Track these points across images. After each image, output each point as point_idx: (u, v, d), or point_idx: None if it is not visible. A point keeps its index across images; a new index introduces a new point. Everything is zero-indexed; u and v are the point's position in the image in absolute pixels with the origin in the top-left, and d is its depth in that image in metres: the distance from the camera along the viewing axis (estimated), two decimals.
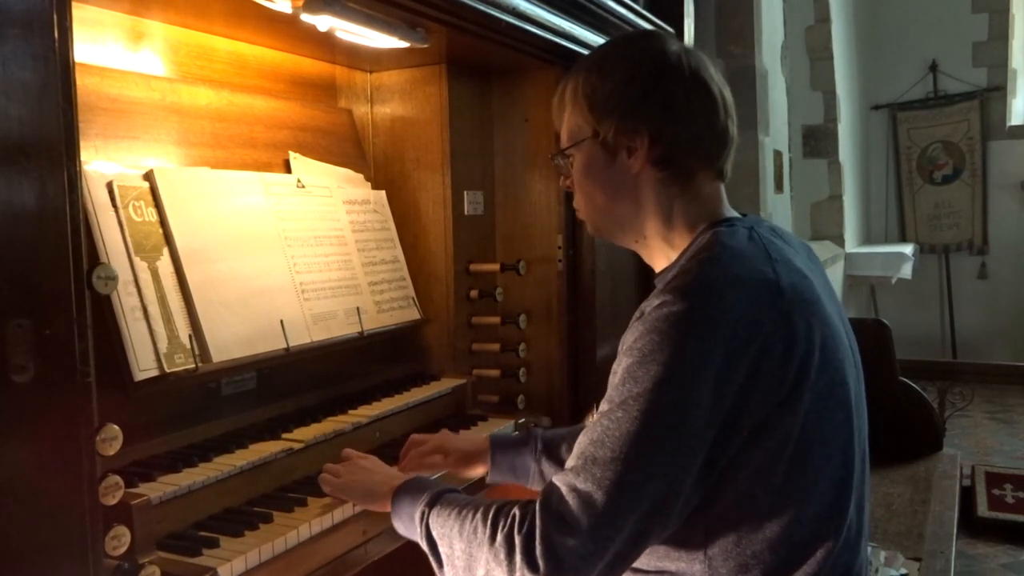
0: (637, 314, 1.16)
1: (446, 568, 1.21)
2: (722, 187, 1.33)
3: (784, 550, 1.14)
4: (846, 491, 1.19)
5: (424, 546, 1.26)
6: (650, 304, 1.14)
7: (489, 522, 1.15)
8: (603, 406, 1.14)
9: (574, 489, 1.09)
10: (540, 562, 1.08)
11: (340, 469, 1.49)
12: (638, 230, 1.31)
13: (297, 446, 1.57)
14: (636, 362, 1.10)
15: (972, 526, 4.03)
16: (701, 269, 1.15)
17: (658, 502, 1.08)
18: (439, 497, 1.27)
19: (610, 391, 1.13)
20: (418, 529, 1.26)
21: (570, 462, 1.14)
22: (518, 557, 1.09)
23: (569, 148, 1.32)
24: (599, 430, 1.11)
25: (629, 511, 1.07)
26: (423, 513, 1.26)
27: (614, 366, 1.16)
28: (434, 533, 1.23)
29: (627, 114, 1.24)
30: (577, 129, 1.30)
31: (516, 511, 1.14)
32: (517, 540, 1.10)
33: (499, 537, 1.12)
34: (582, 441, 1.13)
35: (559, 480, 1.13)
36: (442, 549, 1.22)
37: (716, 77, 1.28)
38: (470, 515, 1.19)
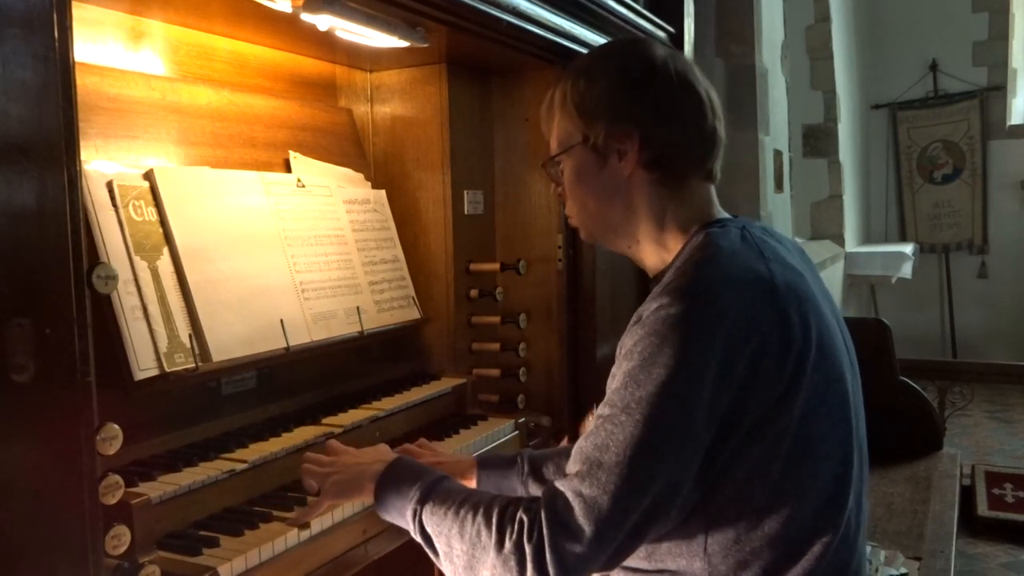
0: (635, 318, 1.17)
1: (443, 562, 1.22)
2: (712, 189, 1.33)
3: (783, 546, 1.15)
4: (844, 486, 1.20)
5: (418, 539, 1.26)
6: (647, 308, 1.14)
7: (494, 527, 1.15)
8: (604, 410, 1.14)
9: (580, 495, 1.10)
10: (550, 570, 1.10)
11: (324, 459, 1.46)
12: (631, 234, 1.32)
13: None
14: (637, 366, 1.10)
15: (972, 525, 4.04)
16: (697, 270, 1.16)
17: (659, 501, 1.10)
18: (430, 493, 1.26)
19: (611, 395, 1.14)
20: (411, 525, 1.26)
21: (572, 466, 1.14)
22: (529, 567, 1.11)
23: (559, 154, 1.33)
24: (603, 435, 1.11)
25: (632, 511, 1.09)
26: (415, 511, 1.25)
27: (613, 370, 1.17)
28: (429, 530, 1.23)
29: (616, 118, 1.25)
30: (567, 135, 1.31)
31: (523, 517, 1.14)
32: (528, 550, 1.11)
33: (508, 545, 1.13)
34: (585, 446, 1.14)
35: (564, 485, 1.13)
36: (439, 545, 1.22)
37: (702, 80, 1.29)
38: (469, 516, 1.19)
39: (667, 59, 1.27)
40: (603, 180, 1.29)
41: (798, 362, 1.12)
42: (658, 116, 1.25)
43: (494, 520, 1.16)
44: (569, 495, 1.11)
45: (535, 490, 1.56)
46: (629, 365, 1.11)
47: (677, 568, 1.19)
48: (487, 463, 1.61)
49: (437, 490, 1.26)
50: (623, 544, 1.11)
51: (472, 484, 1.59)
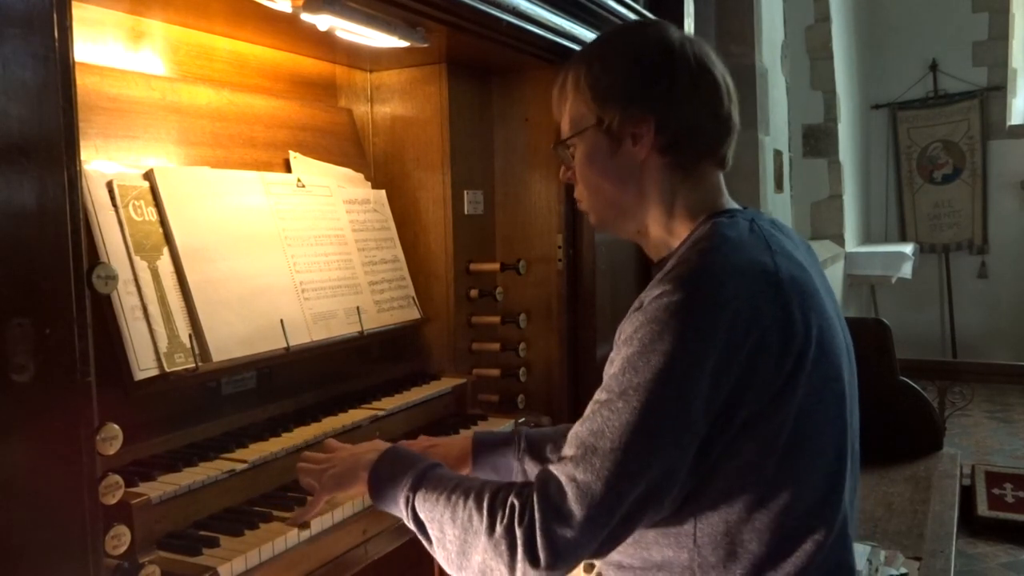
0: (636, 304, 1.16)
1: (436, 549, 1.22)
2: (722, 176, 1.32)
3: (773, 541, 1.14)
4: (839, 484, 1.19)
5: (411, 525, 1.26)
6: (649, 294, 1.13)
7: (485, 511, 1.14)
8: (600, 395, 1.13)
9: (573, 480, 1.09)
10: (541, 555, 1.08)
11: (320, 456, 1.45)
12: (640, 219, 1.31)
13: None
14: (636, 352, 1.10)
15: (972, 525, 4.04)
16: (701, 259, 1.15)
17: (653, 489, 1.09)
18: (422, 480, 1.26)
19: (608, 380, 1.13)
20: (404, 512, 1.26)
21: (567, 451, 1.13)
22: (520, 551, 1.10)
23: (572, 137, 1.31)
24: (599, 420, 1.10)
25: (625, 498, 1.08)
26: (408, 498, 1.25)
27: (611, 355, 1.16)
28: (422, 516, 1.23)
29: (632, 101, 1.24)
30: (580, 118, 1.29)
31: (514, 501, 1.13)
32: (518, 533, 1.10)
33: (499, 529, 1.12)
34: (580, 431, 1.13)
35: (557, 470, 1.12)
36: (432, 532, 1.21)
37: (719, 64, 1.28)
38: (461, 501, 1.18)
39: (684, 42, 1.26)
40: (616, 164, 1.27)
41: (798, 358, 1.12)
42: (675, 101, 1.23)
43: (485, 504, 1.15)
44: (563, 479, 1.10)
45: (531, 467, 1.54)
46: (628, 351, 1.11)
47: (663, 559, 1.18)
48: (483, 440, 1.60)
49: (429, 477, 1.26)
50: (615, 531, 1.10)
51: (468, 463, 1.58)
